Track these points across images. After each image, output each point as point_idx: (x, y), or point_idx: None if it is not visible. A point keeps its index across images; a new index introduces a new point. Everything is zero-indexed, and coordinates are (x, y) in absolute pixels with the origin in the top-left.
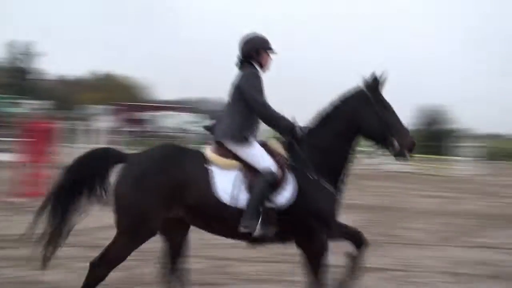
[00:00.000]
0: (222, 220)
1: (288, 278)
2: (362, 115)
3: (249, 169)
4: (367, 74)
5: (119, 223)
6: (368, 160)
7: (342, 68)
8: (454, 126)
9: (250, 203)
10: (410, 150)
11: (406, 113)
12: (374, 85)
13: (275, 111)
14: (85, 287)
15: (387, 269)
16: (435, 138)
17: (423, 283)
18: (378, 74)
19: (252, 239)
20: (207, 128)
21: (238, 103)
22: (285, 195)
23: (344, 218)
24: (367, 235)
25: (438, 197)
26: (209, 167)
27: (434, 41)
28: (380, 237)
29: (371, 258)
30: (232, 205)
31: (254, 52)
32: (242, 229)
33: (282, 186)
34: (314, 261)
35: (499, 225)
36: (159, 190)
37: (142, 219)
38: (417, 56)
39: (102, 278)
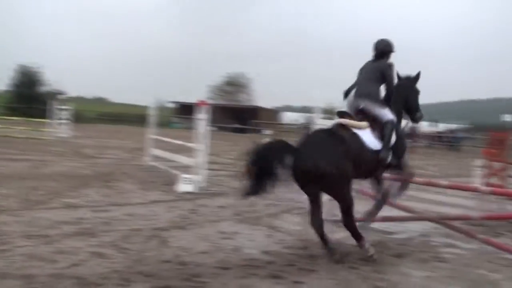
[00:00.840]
0: (370, 161)
1: None
2: (411, 96)
3: (375, 124)
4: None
5: (338, 185)
6: None
7: None
8: (49, 88)
9: (385, 143)
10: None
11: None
12: (416, 78)
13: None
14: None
15: None
16: (30, 99)
17: (7, 250)
18: (418, 73)
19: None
20: (346, 91)
21: (377, 80)
22: (394, 137)
23: None
24: None
25: (28, 160)
26: (355, 132)
27: None
28: None
29: None
30: (374, 149)
31: (388, 51)
32: (382, 157)
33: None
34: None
35: (87, 185)
36: (350, 160)
37: (349, 177)
38: None
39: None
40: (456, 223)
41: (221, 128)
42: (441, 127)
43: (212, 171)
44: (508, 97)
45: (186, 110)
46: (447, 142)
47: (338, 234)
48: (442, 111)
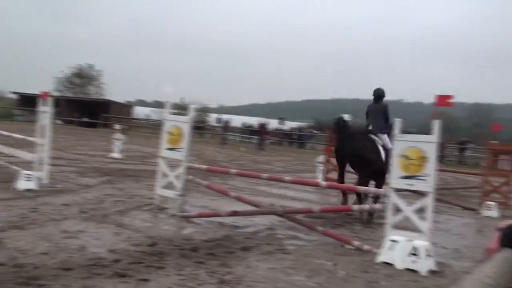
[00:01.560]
0: (378, 163)
1: None
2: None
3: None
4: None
5: (365, 172)
6: None
7: None
8: None
9: (387, 158)
10: None
11: None
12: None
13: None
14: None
15: None
16: None
17: None
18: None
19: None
20: (368, 129)
21: (381, 117)
22: (384, 155)
23: None
24: None
25: None
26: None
27: None
28: None
29: None
30: (382, 157)
31: (382, 96)
32: (386, 168)
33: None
34: (381, 185)
35: None
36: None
37: None
38: None
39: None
40: (299, 216)
41: (69, 122)
42: (289, 125)
43: (57, 167)
44: (346, 98)
45: (29, 102)
46: (295, 139)
47: (187, 230)
48: (289, 109)
